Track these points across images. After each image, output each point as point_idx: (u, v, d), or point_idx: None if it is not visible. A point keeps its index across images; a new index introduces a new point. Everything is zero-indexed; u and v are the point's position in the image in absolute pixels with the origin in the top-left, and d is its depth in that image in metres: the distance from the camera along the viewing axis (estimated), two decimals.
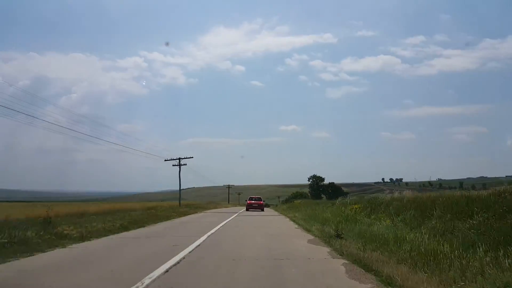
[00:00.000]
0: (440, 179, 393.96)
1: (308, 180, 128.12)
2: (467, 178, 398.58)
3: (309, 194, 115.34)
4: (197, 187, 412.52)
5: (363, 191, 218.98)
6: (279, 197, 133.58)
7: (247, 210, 34.74)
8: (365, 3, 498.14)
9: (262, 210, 35.29)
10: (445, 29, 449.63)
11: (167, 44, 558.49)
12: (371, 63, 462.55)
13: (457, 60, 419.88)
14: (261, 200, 37.16)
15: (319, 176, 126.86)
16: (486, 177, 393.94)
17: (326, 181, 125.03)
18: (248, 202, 36.21)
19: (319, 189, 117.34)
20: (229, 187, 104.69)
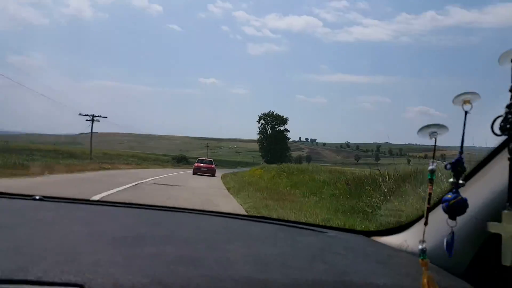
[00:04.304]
0: (349, 142, 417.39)
1: (259, 122, 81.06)
2: (373, 143, 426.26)
3: (259, 148, 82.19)
4: (101, 132, 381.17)
5: None
6: (207, 145, 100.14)
7: (194, 174, 29.41)
8: None
9: (213, 175, 29.65)
10: None
11: None
12: (294, 22, 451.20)
13: (374, 30, 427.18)
14: (212, 164, 32.17)
15: (278, 115, 79.83)
16: (390, 143, 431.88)
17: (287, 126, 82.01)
18: (196, 165, 31.64)
19: (274, 136, 79.19)
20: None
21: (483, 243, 0.95)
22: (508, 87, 0.75)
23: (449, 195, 0.82)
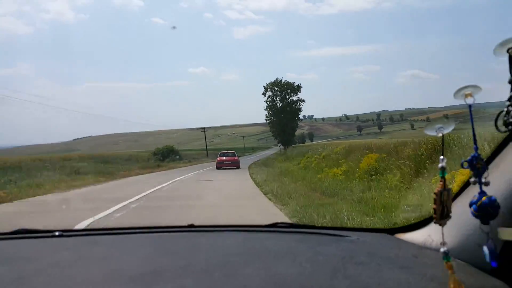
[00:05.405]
0: (345, 114, 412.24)
1: (264, 94, 65.11)
2: (370, 112, 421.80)
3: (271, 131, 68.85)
4: (95, 135, 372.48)
5: None
6: (204, 130, 77.40)
7: (217, 168, 27.89)
8: None
9: (238, 167, 28.40)
10: None
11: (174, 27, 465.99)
12: (276, 0, 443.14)
13: None
14: (235, 156, 30.88)
15: (288, 83, 64.76)
16: (388, 110, 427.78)
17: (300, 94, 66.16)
18: (219, 159, 30.28)
19: (286, 109, 64.28)
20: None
21: None
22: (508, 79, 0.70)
23: (475, 197, 0.77)
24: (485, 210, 0.75)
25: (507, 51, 0.73)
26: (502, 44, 0.74)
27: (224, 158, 30.05)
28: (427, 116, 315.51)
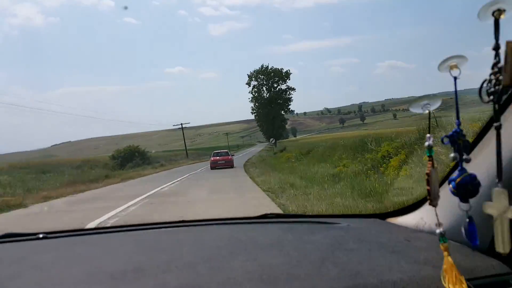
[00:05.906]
0: (327, 108, 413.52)
1: (249, 84, 57.40)
2: (351, 104, 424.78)
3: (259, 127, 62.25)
4: (74, 141, 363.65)
5: None
6: (182, 126, 61.86)
7: (212, 169, 27.33)
8: None
9: (232, 166, 27.86)
10: None
11: (125, 8, 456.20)
12: None
13: None
14: (228, 155, 30.02)
15: (276, 70, 57.55)
16: (368, 102, 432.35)
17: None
18: (213, 158, 29.14)
19: (274, 99, 57.59)
20: None
21: None
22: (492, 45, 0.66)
23: (455, 174, 0.73)
24: (464, 188, 0.71)
25: (492, 14, 0.67)
26: (487, 6, 0.67)
27: (218, 157, 29.33)
28: (408, 105, 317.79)
